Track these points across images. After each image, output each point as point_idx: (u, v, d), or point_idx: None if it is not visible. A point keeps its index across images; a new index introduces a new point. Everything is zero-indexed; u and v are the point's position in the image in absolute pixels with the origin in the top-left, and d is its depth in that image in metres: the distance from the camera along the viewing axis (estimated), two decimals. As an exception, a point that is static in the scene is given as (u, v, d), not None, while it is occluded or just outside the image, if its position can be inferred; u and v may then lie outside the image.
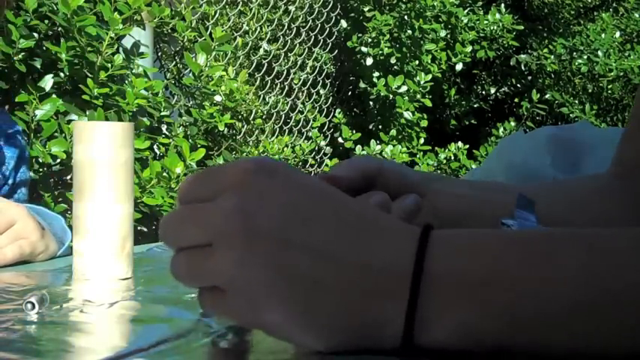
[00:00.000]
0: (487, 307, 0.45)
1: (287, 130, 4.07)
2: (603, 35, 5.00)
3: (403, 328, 0.46)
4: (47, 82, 2.16)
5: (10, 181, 1.36)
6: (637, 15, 5.31)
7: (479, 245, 0.48)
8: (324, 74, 4.34)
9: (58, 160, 2.14)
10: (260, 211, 0.47)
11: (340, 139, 4.25)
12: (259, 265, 0.47)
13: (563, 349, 0.45)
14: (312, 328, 0.47)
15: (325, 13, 4.29)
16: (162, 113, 2.50)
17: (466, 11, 4.66)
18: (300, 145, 3.96)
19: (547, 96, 5.05)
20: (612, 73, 4.89)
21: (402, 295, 0.46)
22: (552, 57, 5.05)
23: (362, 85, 4.32)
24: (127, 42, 2.44)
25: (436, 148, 4.46)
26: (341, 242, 0.47)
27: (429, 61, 4.32)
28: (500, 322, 0.45)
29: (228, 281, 0.48)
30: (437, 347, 0.46)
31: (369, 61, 4.20)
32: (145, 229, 2.32)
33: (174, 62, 3.50)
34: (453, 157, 4.40)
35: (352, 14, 4.37)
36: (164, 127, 2.60)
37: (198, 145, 2.66)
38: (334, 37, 4.37)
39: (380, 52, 4.16)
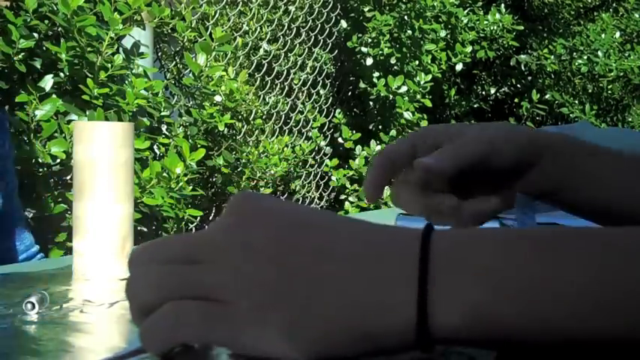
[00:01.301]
0: (499, 294, 0.45)
1: (287, 130, 4.06)
2: (603, 35, 5.00)
3: (416, 319, 0.45)
4: (47, 82, 2.16)
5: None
6: (637, 15, 5.32)
7: (489, 238, 0.48)
8: (324, 74, 4.34)
9: (58, 160, 2.14)
10: (257, 224, 0.49)
11: (340, 139, 4.25)
12: (258, 267, 0.47)
13: (575, 337, 0.45)
14: (312, 327, 0.47)
15: (325, 13, 4.29)
16: (162, 113, 2.50)
17: (466, 11, 4.66)
18: (300, 145, 3.96)
19: (547, 96, 5.05)
20: (612, 74, 4.89)
21: (410, 283, 0.46)
22: (552, 57, 5.06)
23: (362, 85, 4.32)
24: (127, 42, 2.44)
25: (436, 148, 4.45)
26: (341, 241, 0.48)
27: (429, 62, 4.32)
28: (512, 308, 0.45)
29: (230, 286, 0.48)
30: (449, 336, 0.46)
31: (369, 61, 4.20)
32: (145, 229, 2.32)
33: (174, 62, 3.50)
34: (452, 157, 4.39)
35: (352, 14, 4.37)
36: (164, 127, 2.60)
37: (198, 145, 2.67)
38: (334, 37, 4.37)
39: (380, 52, 4.16)
